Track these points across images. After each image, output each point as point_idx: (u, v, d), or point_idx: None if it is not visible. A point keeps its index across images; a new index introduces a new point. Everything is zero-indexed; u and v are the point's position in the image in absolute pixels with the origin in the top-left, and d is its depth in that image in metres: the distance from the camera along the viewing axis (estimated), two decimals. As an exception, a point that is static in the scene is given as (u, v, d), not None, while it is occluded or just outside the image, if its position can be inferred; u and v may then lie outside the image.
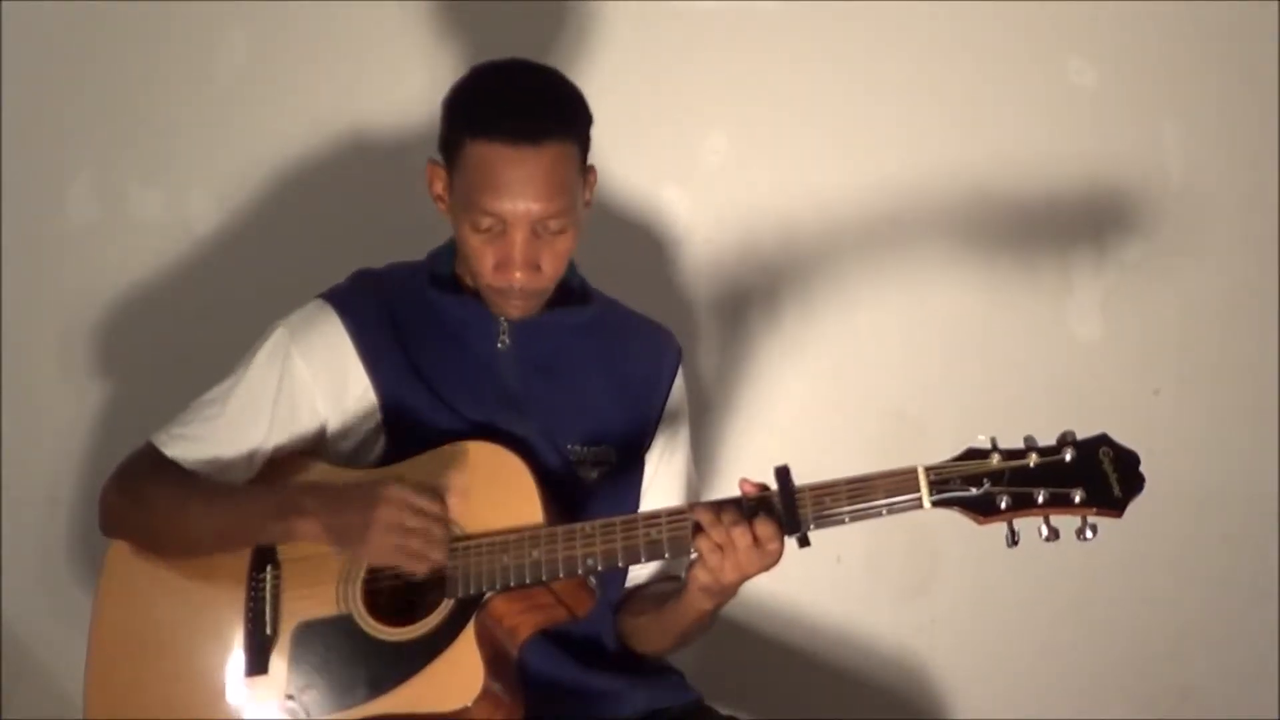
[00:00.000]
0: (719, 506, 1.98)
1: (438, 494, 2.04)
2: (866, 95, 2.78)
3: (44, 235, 2.77)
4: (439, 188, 2.15)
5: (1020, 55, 2.78)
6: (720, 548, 1.96)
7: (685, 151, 2.79)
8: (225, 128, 2.78)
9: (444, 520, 2.03)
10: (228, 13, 2.77)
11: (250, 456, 2.17)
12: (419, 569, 2.03)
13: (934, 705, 2.81)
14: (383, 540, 2.01)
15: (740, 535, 1.95)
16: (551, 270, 2.11)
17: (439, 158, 2.14)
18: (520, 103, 2.08)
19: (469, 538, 2.05)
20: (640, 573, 2.28)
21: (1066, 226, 2.76)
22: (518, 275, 2.08)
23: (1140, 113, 2.77)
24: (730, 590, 2.04)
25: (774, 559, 1.98)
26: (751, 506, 1.97)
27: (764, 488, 1.98)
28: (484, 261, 2.09)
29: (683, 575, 2.08)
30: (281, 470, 2.18)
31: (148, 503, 2.15)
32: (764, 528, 1.95)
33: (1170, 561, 2.79)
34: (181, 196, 2.78)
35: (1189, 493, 2.74)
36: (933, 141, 2.77)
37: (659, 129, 2.76)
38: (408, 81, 2.72)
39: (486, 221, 2.07)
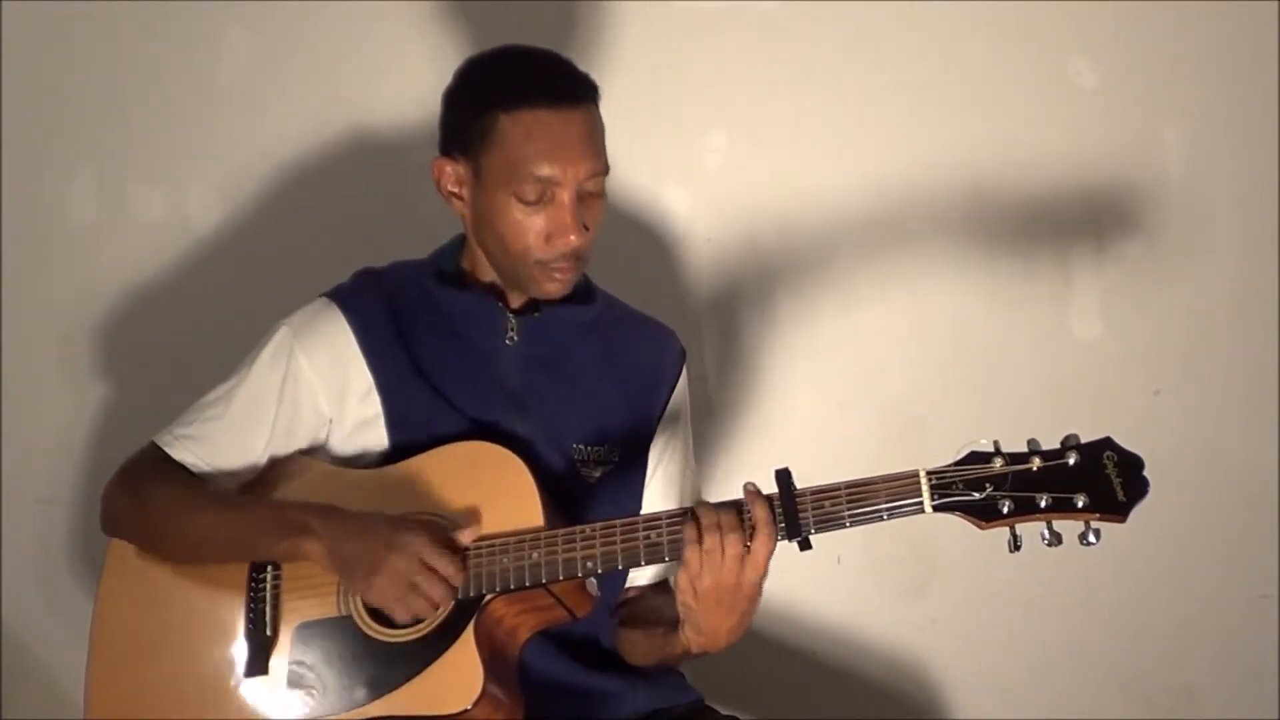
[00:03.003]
0: (720, 512, 1.97)
1: (451, 544, 2.02)
2: (867, 95, 2.78)
3: (44, 235, 2.77)
4: (451, 183, 2.15)
5: (1020, 55, 2.78)
6: (704, 548, 1.94)
7: (686, 151, 2.79)
8: (225, 127, 2.78)
9: (451, 583, 2.01)
10: (228, 13, 2.77)
11: (254, 456, 2.17)
12: (407, 620, 2.02)
13: (934, 705, 2.81)
14: (386, 587, 2.00)
15: (732, 545, 1.94)
16: (594, 232, 2.12)
17: (449, 153, 2.14)
18: (550, 68, 2.13)
19: (468, 539, 2.06)
20: (639, 577, 2.28)
21: (1067, 226, 2.76)
22: (572, 238, 2.08)
23: (1141, 113, 2.77)
24: (715, 628, 2.01)
25: (754, 573, 1.95)
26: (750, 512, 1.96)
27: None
28: (530, 235, 2.09)
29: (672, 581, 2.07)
30: (284, 470, 2.18)
31: (150, 505, 2.15)
32: (759, 543, 1.94)
33: (1170, 561, 2.79)
34: (181, 196, 2.79)
35: (1189, 493, 2.74)
36: (933, 141, 2.77)
37: (660, 128, 2.76)
38: (408, 81, 2.72)
39: (535, 190, 2.07)
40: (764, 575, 1.97)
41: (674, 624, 2.06)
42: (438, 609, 2.02)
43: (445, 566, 2.00)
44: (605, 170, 2.12)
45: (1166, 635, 2.81)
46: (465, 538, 2.04)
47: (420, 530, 2.01)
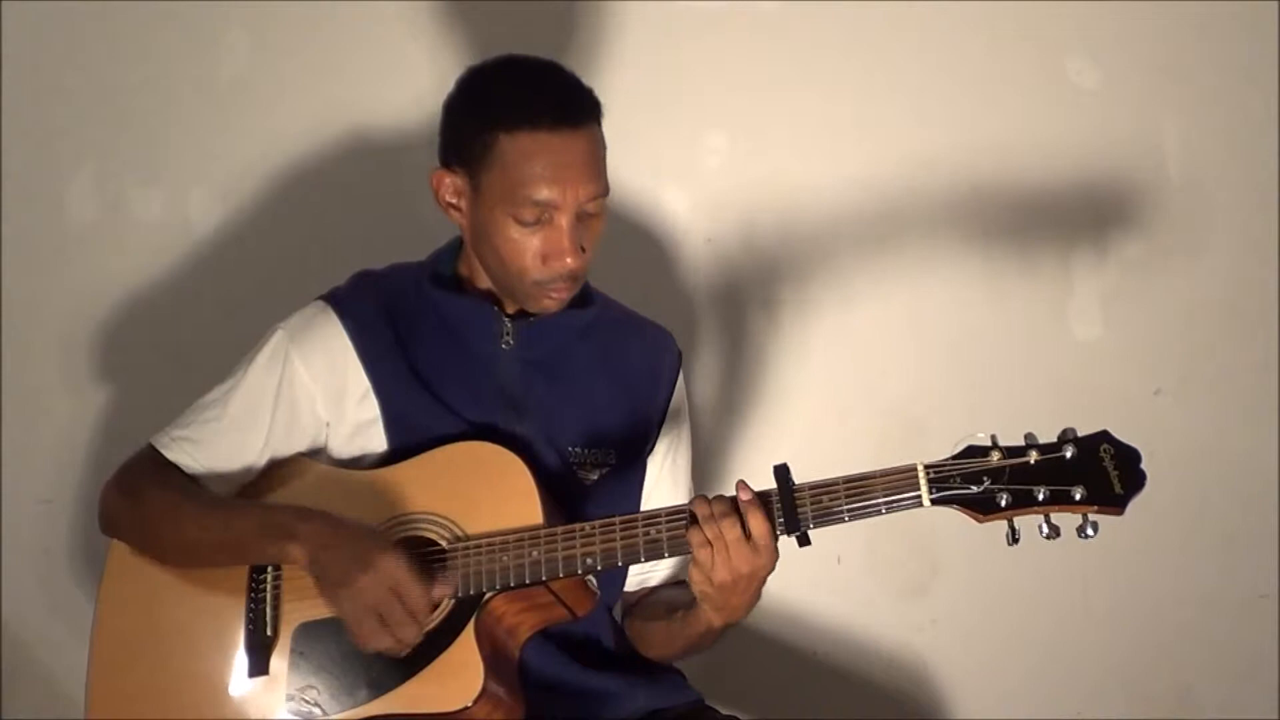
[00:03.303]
0: (713, 501, 1.98)
1: (428, 584, 2.00)
2: (867, 94, 2.78)
3: (44, 235, 2.77)
4: (450, 194, 2.13)
5: (1020, 55, 2.78)
6: (709, 543, 1.96)
7: (685, 151, 2.79)
8: (225, 127, 2.78)
9: (419, 621, 1.99)
10: (228, 13, 2.77)
11: (250, 459, 2.16)
12: (364, 648, 2.01)
13: (934, 705, 2.81)
14: (353, 607, 1.99)
15: (729, 529, 1.95)
16: (591, 253, 2.11)
17: (448, 164, 2.13)
18: (552, 89, 2.09)
19: (469, 538, 2.05)
20: (652, 576, 2.29)
21: (1067, 226, 2.76)
22: (569, 261, 2.07)
23: (1141, 112, 2.77)
24: (734, 606, 2.03)
25: (766, 558, 1.97)
26: (748, 503, 1.97)
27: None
28: (527, 256, 2.08)
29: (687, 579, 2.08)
30: (283, 473, 2.17)
31: (144, 508, 2.15)
32: (756, 523, 1.95)
33: (1170, 561, 2.79)
34: (181, 196, 2.78)
35: (1189, 493, 2.74)
36: (933, 141, 2.77)
37: (659, 128, 2.76)
38: (408, 81, 2.72)
39: (533, 213, 2.06)
40: (774, 557, 1.97)
41: (690, 605, 2.07)
42: (401, 647, 2.00)
43: (415, 600, 1.98)
44: (605, 192, 2.10)
45: (1166, 635, 2.81)
46: (443, 590, 2.02)
47: (400, 558, 1.99)
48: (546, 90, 2.09)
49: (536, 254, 2.08)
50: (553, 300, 2.12)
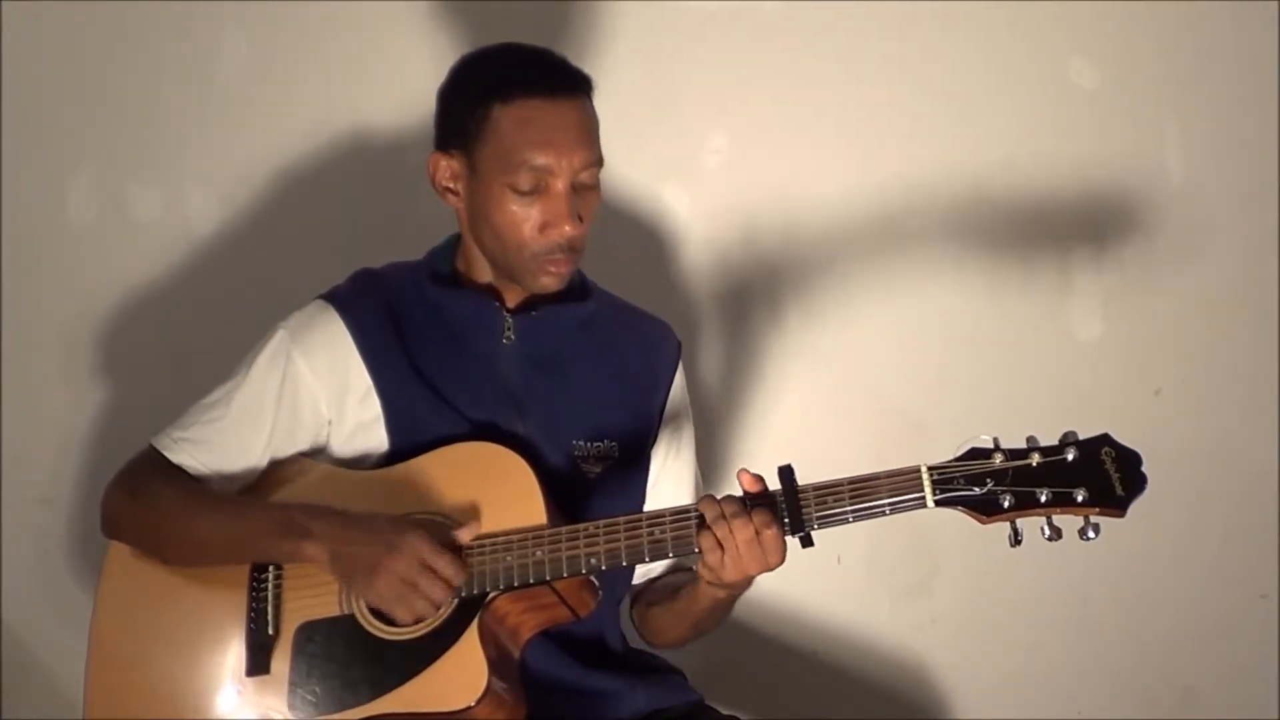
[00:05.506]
0: (721, 503, 1.98)
1: (451, 543, 2.02)
2: (867, 95, 2.78)
3: (44, 235, 2.77)
4: (446, 178, 2.15)
5: (1020, 55, 2.78)
6: (720, 545, 1.97)
7: (686, 151, 2.79)
8: (225, 127, 2.78)
9: (452, 583, 2.01)
10: (228, 13, 2.77)
11: (253, 459, 2.16)
12: (409, 621, 2.02)
13: (934, 705, 2.81)
14: (387, 588, 1.99)
15: (741, 529, 1.95)
16: (588, 224, 2.12)
17: (445, 148, 2.14)
18: (544, 61, 2.14)
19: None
20: (655, 567, 2.29)
21: (1067, 226, 2.77)
22: (567, 228, 2.08)
23: (1141, 113, 2.78)
24: (741, 583, 2.04)
25: (777, 557, 1.98)
26: (754, 504, 1.97)
27: (763, 481, 1.99)
28: (526, 226, 2.09)
29: (694, 567, 2.09)
30: (286, 472, 2.17)
31: (150, 509, 2.14)
32: (765, 524, 1.95)
33: (1170, 561, 2.79)
34: (181, 196, 2.78)
35: (1189, 493, 2.75)
36: (933, 140, 2.77)
37: (660, 128, 2.76)
38: (408, 80, 2.72)
39: (530, 180, 2.07)
40: (784, 555, 1.98)
41: (694, 582, 2.10)
42: (439, 608, 2.02)
43: (445, 566, 2.00)
44: (599, 162, 2.12)
45: (1166, 635, 2.82)
46: (467, 536, 2.04)
47: (419, 530, 2.01)
48: (538, 62, 2.13)
49: (535, 224, 2.09)
50: (552, 276, 2.12)
